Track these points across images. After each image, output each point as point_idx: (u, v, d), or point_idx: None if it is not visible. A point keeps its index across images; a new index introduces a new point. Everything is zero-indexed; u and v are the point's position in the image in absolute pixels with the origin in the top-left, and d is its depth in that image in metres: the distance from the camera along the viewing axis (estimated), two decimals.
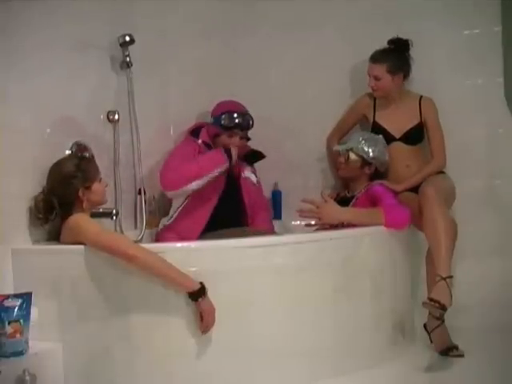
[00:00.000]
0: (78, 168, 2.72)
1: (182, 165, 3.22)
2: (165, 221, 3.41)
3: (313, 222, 3.17)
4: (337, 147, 3.51)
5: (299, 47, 3.79)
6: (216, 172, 3.22)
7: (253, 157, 3.51)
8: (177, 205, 3.36)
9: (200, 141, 3.38)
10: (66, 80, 2.97)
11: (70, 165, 2.74)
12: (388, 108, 3.54)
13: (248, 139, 3.44)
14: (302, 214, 3.13)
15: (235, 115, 3.36)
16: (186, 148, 3.37)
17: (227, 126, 3.36)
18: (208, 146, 3.38)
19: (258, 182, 3.55)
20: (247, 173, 3.48)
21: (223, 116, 3.36)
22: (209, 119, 3.50)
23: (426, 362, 2.88)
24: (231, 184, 3.39)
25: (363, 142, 3.36)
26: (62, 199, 2.69)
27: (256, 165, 3.56)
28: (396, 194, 3.28)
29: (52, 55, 2.89)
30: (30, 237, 2.74)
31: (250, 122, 3.39)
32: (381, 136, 3.44)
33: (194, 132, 3.43)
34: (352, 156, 3.37)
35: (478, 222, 3.53)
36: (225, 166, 3.24)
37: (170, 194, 3.27)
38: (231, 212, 3.34)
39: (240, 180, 3.44)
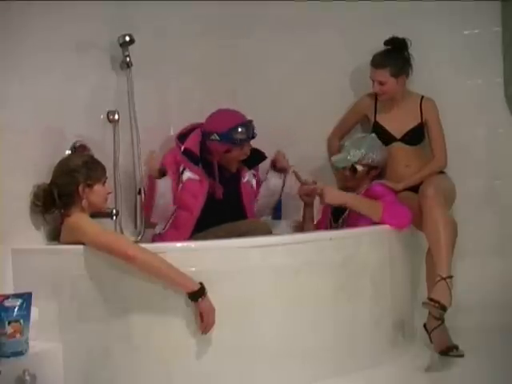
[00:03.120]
0: (85, 164, 2.75)
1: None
2: (158, 229, 3.35)
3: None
4: (339, 164, 3.39)
5: (299, 47, 3.79)
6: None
7: (254, 159, 3.40)
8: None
9: (183, 147, 3.26)
10: (65, 80, 2.98)
11: (78, 160, 2.78)
12: (389, 108, 3.53)
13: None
14: (304, 188, 3.11)
15: (245, 128, 3.20)
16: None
17: (241, 141, 3.21)
18: (191, 155, 3.25)
19: (258, 182, 3.47)
20: (248, 177, 3.39)
21: (235, 131, 3.18)
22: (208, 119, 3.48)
23: (426, 361, 2.88)
24: (231, 189, 3.31)
25: (363, 151, 3.31)
26: (61, 190, 2.70)
27: None
28: (396, 192, 3.28)
29: (52, 55, 2.90)
30: (32, 237, 2.75)
31: (255, 129, 3.27)
32: (373, 135, 3.42)
33: (181, 136, 3.32)
34: (359, 168, 3.33)
35: (478, 221, 3.54)
36: None
37: None
38: (232, 219, 3.23)
39: (240, 185, 3.36)
